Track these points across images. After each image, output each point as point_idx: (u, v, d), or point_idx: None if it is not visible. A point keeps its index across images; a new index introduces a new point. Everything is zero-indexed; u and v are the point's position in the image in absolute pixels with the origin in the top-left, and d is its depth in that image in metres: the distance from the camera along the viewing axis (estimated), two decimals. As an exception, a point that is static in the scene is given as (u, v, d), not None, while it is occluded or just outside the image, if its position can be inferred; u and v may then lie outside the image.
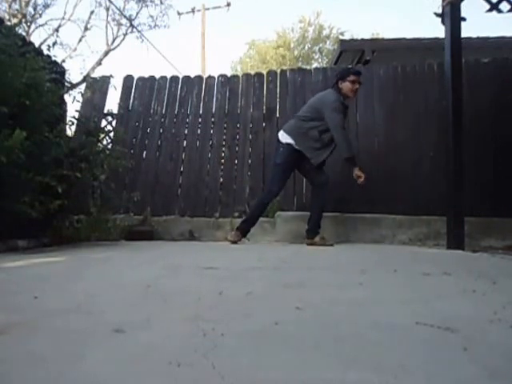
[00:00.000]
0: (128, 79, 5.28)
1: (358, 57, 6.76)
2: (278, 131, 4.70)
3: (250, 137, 4.90)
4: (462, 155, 3.54)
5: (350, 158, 3.69)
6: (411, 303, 1.44)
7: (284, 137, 3.78)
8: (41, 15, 14.74)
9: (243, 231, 3.80)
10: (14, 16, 13.54)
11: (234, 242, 3.72)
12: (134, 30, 15.28)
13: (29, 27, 14.29)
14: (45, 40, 13.20)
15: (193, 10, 16.82)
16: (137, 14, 15.55)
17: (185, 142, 4.99)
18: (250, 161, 4.82)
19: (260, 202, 3.86)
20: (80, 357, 0.92)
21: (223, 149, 4.89)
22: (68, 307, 1.35)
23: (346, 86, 3.73)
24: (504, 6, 3.86)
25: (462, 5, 3.60)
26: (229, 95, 5.08)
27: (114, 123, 5.15)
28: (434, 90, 4.50)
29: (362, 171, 3.65)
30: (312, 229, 3.73)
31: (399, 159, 4.51)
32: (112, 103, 8.08)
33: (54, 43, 3.84)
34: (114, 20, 15.38)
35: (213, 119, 5.02)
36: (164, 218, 4.56)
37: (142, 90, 5.21)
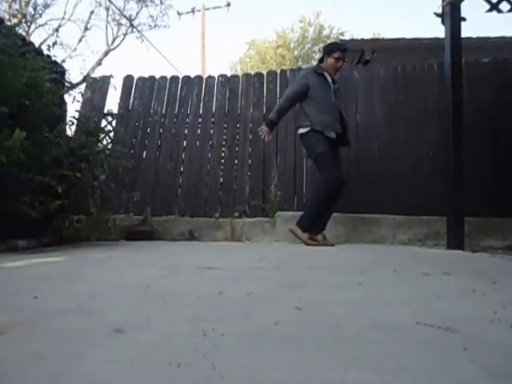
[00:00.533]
0: (128, 79, 5.28)
1: (358, 57, 6.77)
2: (277, 131, 4.75)
3: (250, 137, 4.90)
4: (462, 155, 3.54)
5: (269, 120, 3.79)
6: (411, 303, 1.44)
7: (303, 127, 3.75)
8: (41, 15, 14.76)
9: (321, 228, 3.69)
10: (14, 16, 13.53)
11: (331, 245, 3.64)
12: (134, 29, 15.30)
13: (29, 27, 14.30)
14: (45, 40, 13.21)
15: (193, 10, 16.84)
16: (137, 14, 15.56)
17: (185, 142, 4.99)
18: (249, 161, 4.82)
19: (322, 194, 3.62)
20: (80, 357, 0.92)
21: (223, 149, 4.89)
22: (68, 307, 1.35)
23: (329, 61, 3.75)
24: (504, 5, 3.86)
25: (462, 5, 3.60)
26: (229, 95, 5.08)
27: (114, 123, 5.15)
28: (434, 89, 4.50)
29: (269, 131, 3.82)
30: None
31: (399, 159, 4.51)
32: (112, 103, 8.08)
33: (54, 43, 3.85)
34: (114, 20, 15.39)
35: (213, 119, 5.02)
36: (164, 218, 4.55)
37: (142, 90, 5.21)
